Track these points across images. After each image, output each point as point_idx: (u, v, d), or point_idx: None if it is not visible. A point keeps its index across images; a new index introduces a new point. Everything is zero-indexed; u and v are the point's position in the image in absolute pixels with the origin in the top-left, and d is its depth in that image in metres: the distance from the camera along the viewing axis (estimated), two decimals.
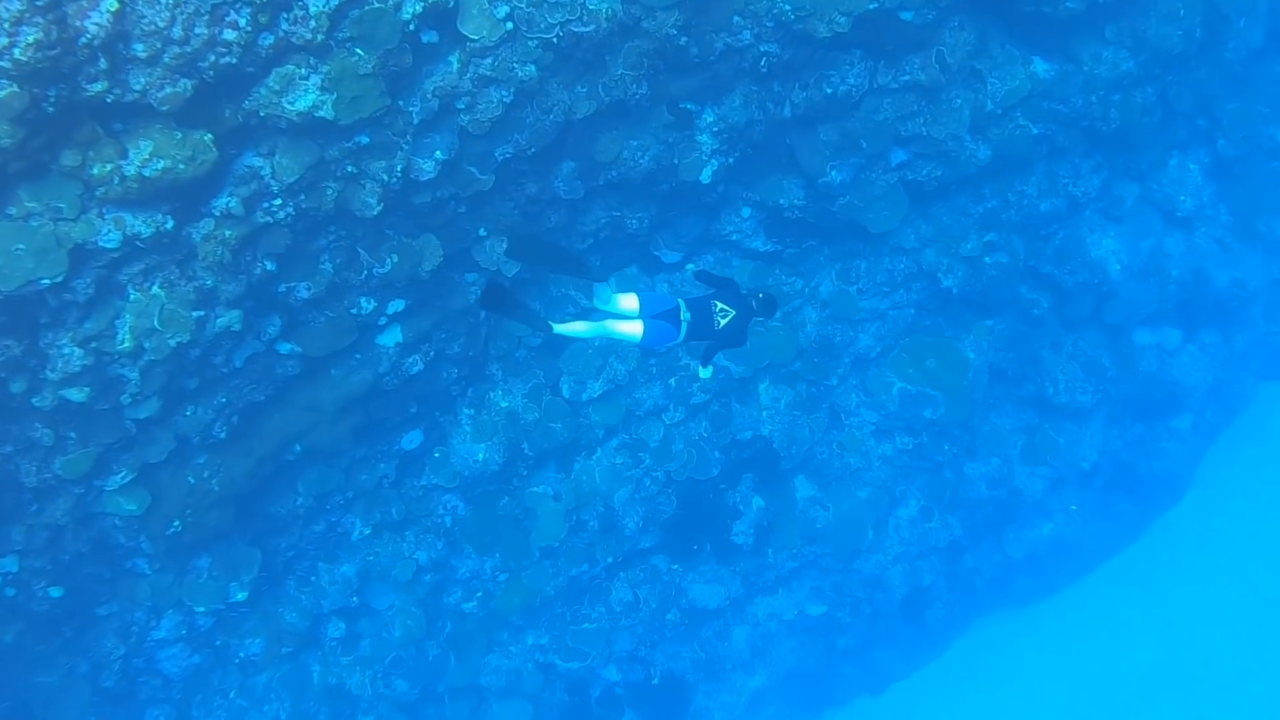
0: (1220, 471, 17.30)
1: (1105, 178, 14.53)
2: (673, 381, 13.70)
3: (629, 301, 8.01)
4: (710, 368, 8.48)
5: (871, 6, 11.69)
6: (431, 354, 12.12)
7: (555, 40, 10.39)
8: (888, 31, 12.20)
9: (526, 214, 11.82)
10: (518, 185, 11.50)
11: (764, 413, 14.30)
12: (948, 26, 12.68)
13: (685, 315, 7.93)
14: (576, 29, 10.43)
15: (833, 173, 12.97)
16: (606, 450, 13.76)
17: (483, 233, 11.59)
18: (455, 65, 10.11)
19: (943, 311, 14.85)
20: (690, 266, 13.61)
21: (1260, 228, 15.54)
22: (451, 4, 9.72)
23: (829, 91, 12.38)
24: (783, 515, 14.81)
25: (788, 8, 11.43)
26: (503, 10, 10.05)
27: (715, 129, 12.17)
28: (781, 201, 13.27)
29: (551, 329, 7.66)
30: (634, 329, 7.86)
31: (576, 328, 7.98)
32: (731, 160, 12.49)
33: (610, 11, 10.49)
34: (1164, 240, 15.01)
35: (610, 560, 14.10)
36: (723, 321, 8.08)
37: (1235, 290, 15.10)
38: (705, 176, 12.38)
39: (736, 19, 11.44)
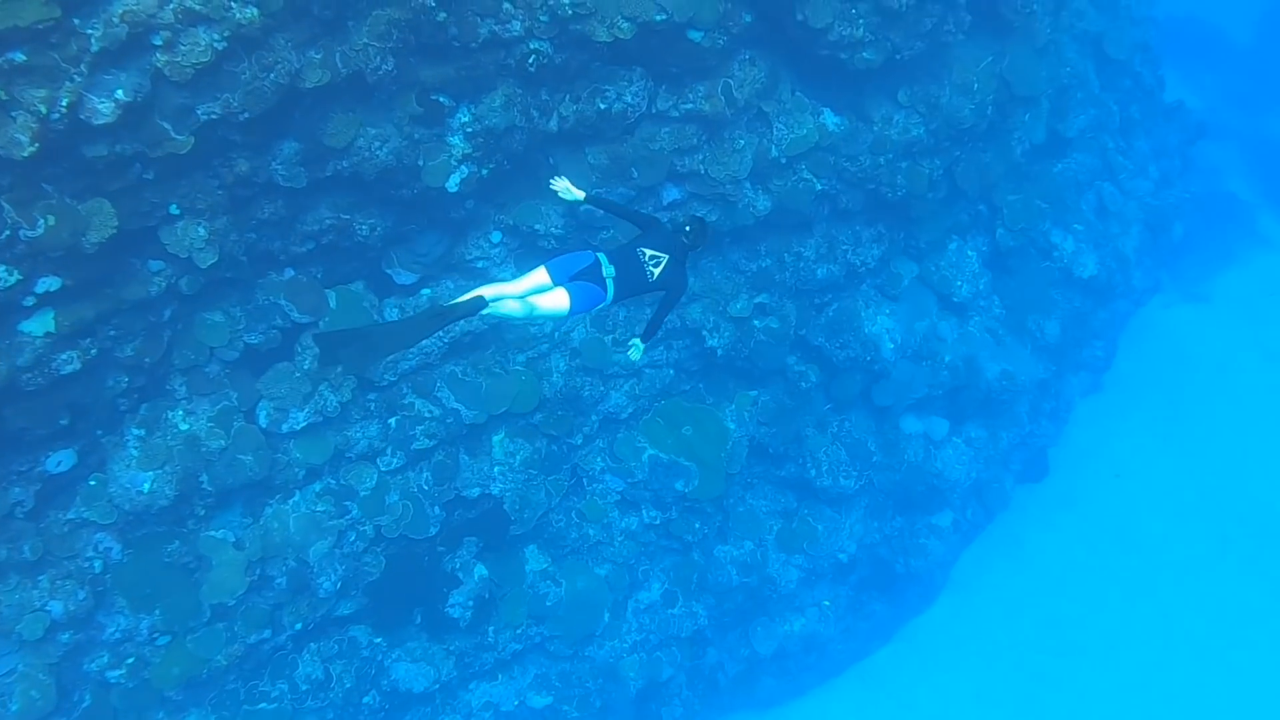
0: (973, 575, 17.29)
1: (885, 250, 14.45)
2: (393, 421, 12.32)
3: (538, 276, 6.90)
4: (641, 346, 7.59)
5: (658, 17, 11.07)
6: (94, 353, 10.27)
7: None
8: (673, 51, 11.61)
9: (234, 197, 10.31)
10: (225, 158, 9.99)
11: (496, 468, 13.07)
12: (738, 59, 12.25)
13: (609, 270, 6.99)
14: None
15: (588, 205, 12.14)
16: (306, 495, 12.12)
17: (175, 210, 9.98)
18: None
19: (705, 375, 14.19)
20: (425, 291, 12.39)
21: (1030, 325, 15.86)
22: None
23: (603, 107, 11.62)
24: (508, 588, 13.50)
25: (566, 1, 10.63)
26: None
27: (470, 130, 11.10)
28: (538, 228, 12.30)
29: (484, 304, 6.54)
30: (559, 300, 6.85)
31: (507, 308, 6.77)
32: (485, 172, 11.43)
33: None
34: (939, 324, 15.02)
35: (299, 627, 12.32)
36: (655, 271, 7.13)
37: (1004, 383, 15.20)
38: (452, 184, 11.25)
39: (507, 5, 10.52)
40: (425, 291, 12.41)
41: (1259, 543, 18.42)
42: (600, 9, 10.84)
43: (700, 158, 12.44)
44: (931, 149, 13.72)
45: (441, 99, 10.91)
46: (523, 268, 8.59)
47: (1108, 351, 17.74)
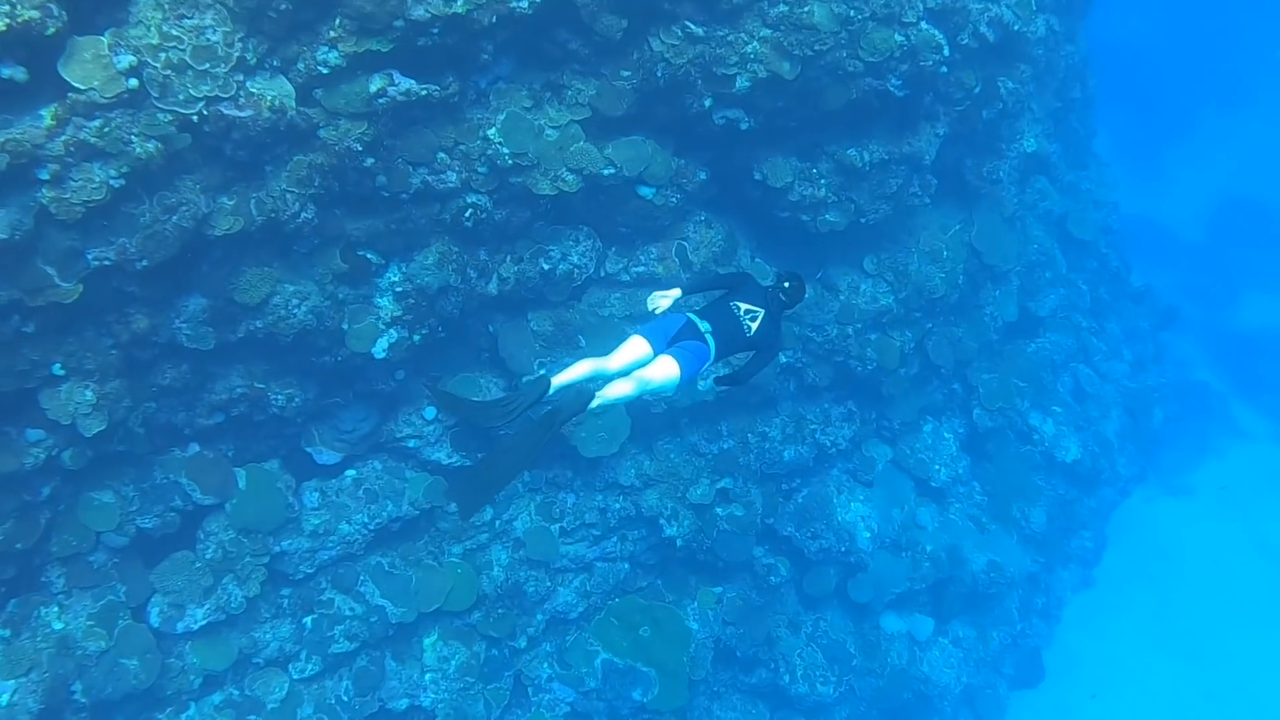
0: None
1: (857, 431, 13.71)
2: (309, 620, 11.02)
3: (635, 348, 6.41)
4: (711, 383, 7.14)
5: (606, 171, 10.56)
6: None
7: (197, 120, 8.47)
8: (623, 208, 11.12)
9: (130, 359, 9.33)
10: (120, 313, 9.04)
11: (428, 675, 11.63)
12: (693, 219, 11.77)
13: (705, 326, 6.54)
14: (228, 111, 8.57)
15: (541, 373, 11.32)
16: (203, 708, 10.57)
17: (59, 370, 8.95)
18: (48, 120, 7.91)
19: (664, 569, 13.07)
20: (350, 473, 11.35)
21: (1014, 512, 15.05)
22: (51, 32, 7.69)
23: (546, 268, 10.96)
24: None
25: (506, 151, 10.08)
26: (125, 61, 8.07)
27: (399, 290, 10.31)
28: (475, 400, 11.41)
29: (592, 400, 6.04)
30: (669, 369, 6.32)
31: (616, 392, 6.18)
32: (417, 338, 10.56)
33: (276, 101, 8.73)
34: (918, 511, 14.15)
35: None
36: (753, 325, 6.73)
37: (992, 576, 14.22)
38: (380, 350, 10.35)
39: (442, 155, 9.95)
40: (350, 473, 11.37)
41: None
42: (543, 160, 10.31)
43: None
44: (902, 319, 13.17)
45: (369, 255, 10.15)
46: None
47: (1097, 543, 16.86)
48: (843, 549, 13.37)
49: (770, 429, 13.01)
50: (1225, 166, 30.97)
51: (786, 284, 6.99)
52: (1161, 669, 18.17)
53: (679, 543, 12.58)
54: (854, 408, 13.64)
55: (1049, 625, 16.36)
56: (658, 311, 6.74)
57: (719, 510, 12.81)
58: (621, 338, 6.53)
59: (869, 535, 13.57)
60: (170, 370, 9.73)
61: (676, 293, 6.77)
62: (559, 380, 6.15)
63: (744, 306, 6.76)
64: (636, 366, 6.35)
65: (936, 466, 14.45)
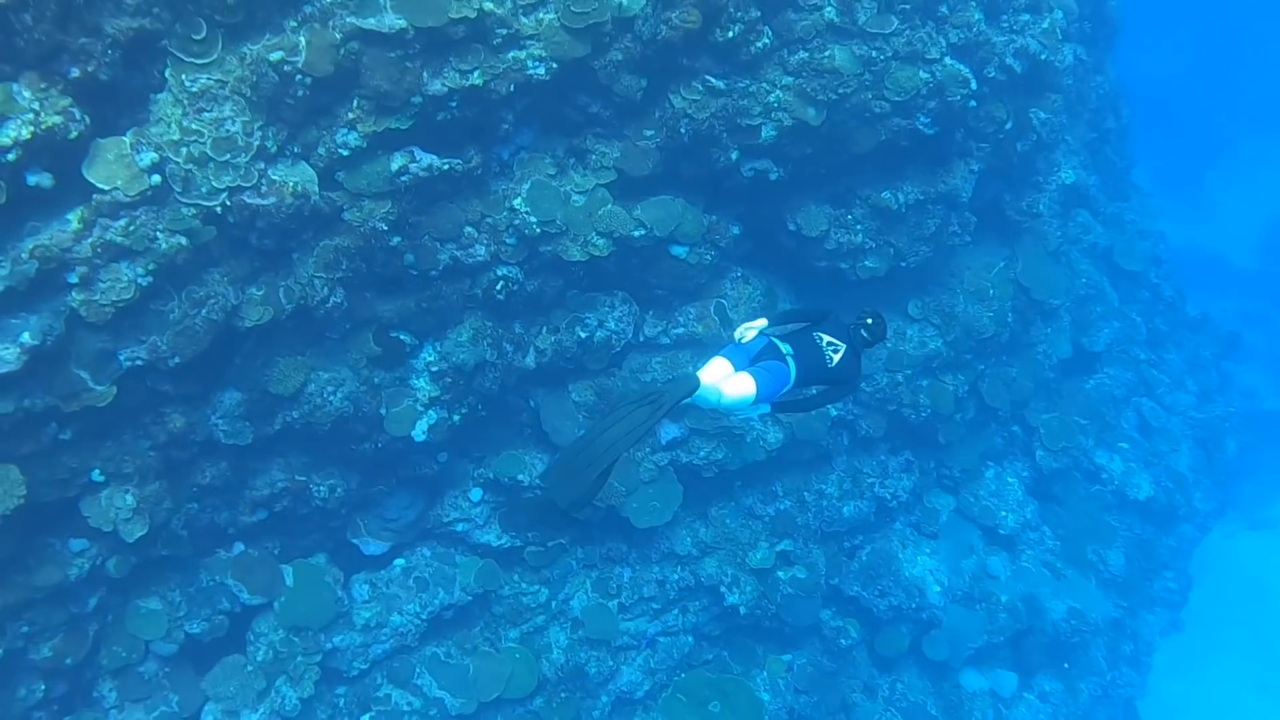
0: None
1: (917, 481, 13.36)
2: (367, 718, 10.78)
3: (720, 368, 6.25)
4: (767, 410, 6.63)
5: (637, 233, 10.45)
6: (0, 654, 8.99)
7: (220, 211, 8.48)
8: (656, 269, 10.98)
9: (168, 459, 9.28)
10: (156, 413, 9.03)
11: None
12: (729, 276, 11.63)
13: (786, 349, 6.44)
14: (251, 200, 8.57)
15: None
16: None
17: (98, 476, 8.91)
18: (74, 224, 7.94)
19: (729, 640, 12.70)
20: (399, 562, 11.18)
21: (1090, 555, 14.54)
22: (74, 135, 7.74)
23: (583, 336, 10.81)
24: None
25: (534, 220, 10.01)
26: (148, 158, 8.12)
27: (435, 370, 10.20)
28: (521, 478, 11.21)
29: (696, 384, 5.90)
30: (745, 385, 6.16)
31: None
32: (457, 418, 10.44)
33: (299, 187, 8.73)
34: (988, 560, 13.69)
35: None
36: (835, 358, 6.60)
37: (1074, 624, 13.66)
38: (420, 433, 10.22)
39: (469, 229, 9.89)
40: (399, 562, 11.20)
41: None
42: (572, 227, 10.22)
43: None
44: (952, 363, 12.89)
45: (402, 336, 10.08)
46: None
47: (1181, 583, 16.20)
48: (913, 605, 12.96)
49: (827, 486, 12.70)
50: (1270, 191, 30.48)
51: (869, 320, 6.89)
52: (1266, 713, 17.34)
53: (742, 610, 12.25)
54: (911, 458, 13.31)
55: (1140, 674, 15.66)
56: (744, 340, 6.56)
57: (781, 574, 12.47)
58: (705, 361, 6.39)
59: (939, 589, 13.14)
60: (209, 468, 9.67)
61: (763, 322, 6.61)
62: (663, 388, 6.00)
63: (826, 338, 6.63)
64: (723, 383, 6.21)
65: (1003, 513, 14.02)
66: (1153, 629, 15.79)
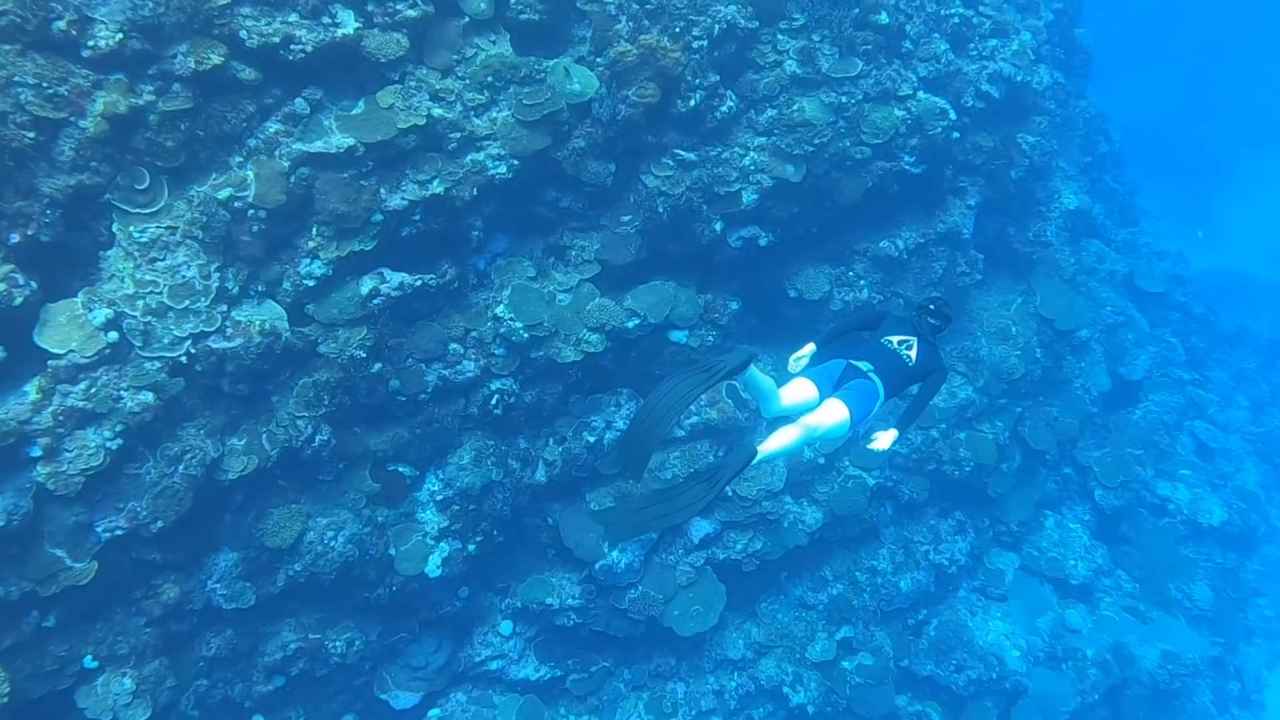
0: None
1: (973, 543, 12.68)
2: None
3: (803, 389, 5.91)
4: (894, 435, 6.35)
5: (630, 324, 10.06)
6: None
7: (186, 360, 8.12)
8: (658, 359, 10.53)
9: (167, 634, 8.75)
10: (146, 585, 8.54)
11: None
12: (736, 353, 11.12)
13: (866, 365, 6.14)
14: (217, 345, 8.22)
15: (613, 554, 10.59)
16: None
17: (91, 662, 8.38)
18: (32, 394, 7.59)
19: None
20: (434, 713, 10.53)
21: (1173, 593, 13.70)
22: (19, 302, 7.44)
23: (592, 441, 10.33)
24: None
25: (519, 325, 9.62)
26: (101, 315, 7.80)
27: (441, 499, 9.74)
28: (551, 603, 10.63)
29: (754, 455, 5.38)
30: (837, 413, 5.80)
31: (780, 442, 5.56)
32: (472, 547, 9.92)
33: (266, 325, 8.39)
34: (1065, 615, 12.88)
35: None
36: (911, 355, 6.37)
37: (1171, 669, 12.75)
38: (434, 568, 9.70)
39: (454, 345, 9.52)
40: (434, 713, 10.54)
41: None
42: (561, 326, 9.84)
43: None
44: (987, 410, 12.34)
45: (400, 468, 9.64)
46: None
47: (1277, 609, 15.28)
48: (994, 676, 12.13)
49: (878, 561, 12.05)
50: (1277, 203, 30.36)
51: (931, 306, 6.65)
52: None
53: (810, 710, 11.47)
54: (963, 518, 12.67)
55: (1254, 714, 14.66)
56: (794, 370, 6.15)
57: (846, 664, 11.76)
58: (788, 378, 5.95)
59: (1019, 654, 12.33)
60: (214, 638, 9.13)
61: (811, 347, 6.20)
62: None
63: (895, 339, 6.38)
64: (802, 411, 5.77)
65: (1072, 562, 13.26)
66: (1257, 663, 14.80)
